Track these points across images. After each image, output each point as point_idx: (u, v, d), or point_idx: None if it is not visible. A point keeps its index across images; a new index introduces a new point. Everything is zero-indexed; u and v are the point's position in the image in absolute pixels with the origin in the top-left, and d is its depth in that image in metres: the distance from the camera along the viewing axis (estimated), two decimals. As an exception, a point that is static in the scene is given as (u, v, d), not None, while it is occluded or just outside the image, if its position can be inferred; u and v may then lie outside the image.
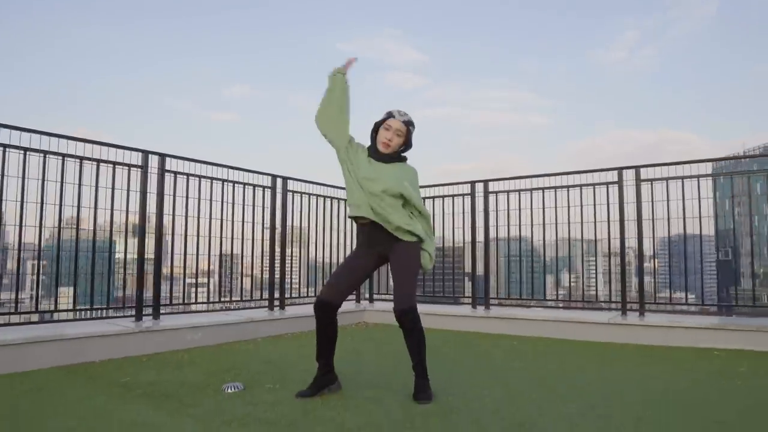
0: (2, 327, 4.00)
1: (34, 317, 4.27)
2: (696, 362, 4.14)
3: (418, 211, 3.17)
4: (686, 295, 5.40)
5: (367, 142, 3.25)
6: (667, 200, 5.32)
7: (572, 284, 6.30)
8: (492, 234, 6.31)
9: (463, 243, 6.59)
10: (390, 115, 3.16)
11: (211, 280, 5.60)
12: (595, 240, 5.82)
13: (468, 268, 6.49)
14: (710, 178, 5.13)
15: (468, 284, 6.55)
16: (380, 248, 3.16)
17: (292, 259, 6.43)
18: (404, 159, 3.26)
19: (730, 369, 3.87)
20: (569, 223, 5.90)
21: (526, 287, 6.27)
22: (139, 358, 4.27)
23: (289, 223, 6.20)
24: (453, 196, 6.56)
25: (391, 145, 3.13)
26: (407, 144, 3.20)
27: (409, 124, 3.16)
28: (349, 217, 3.27)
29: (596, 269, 5.91)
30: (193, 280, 5.49)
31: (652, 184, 5.40)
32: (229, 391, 3.26)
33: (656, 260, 5.53)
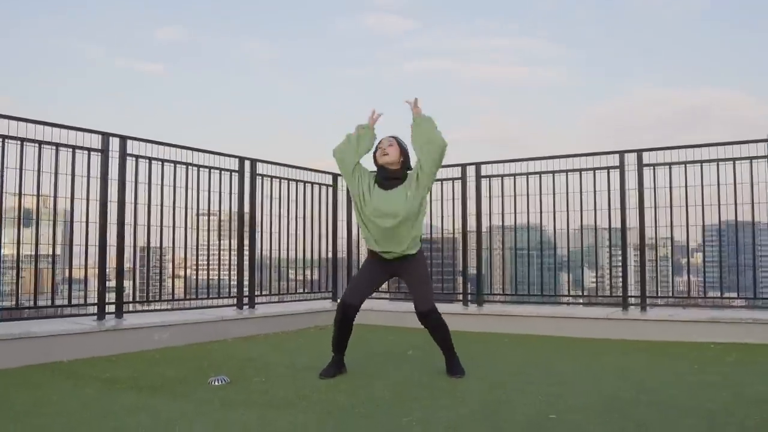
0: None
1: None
2: (688, 354, 5.17)
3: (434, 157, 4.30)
4: (689, 289, 6.46)
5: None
6: (670, 186, 6.34)
7: (575, 277, 7.29)
8: (486, 223, 7.29)
9: (453, 233, 7.54)
10: (379, 141, 4.49)
11: (176, 276, 6.47)
12: (596, 231, 6.82)
13: (459, 262, 7.46)
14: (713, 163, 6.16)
15: (460, 278, 7.51)
16: (392, 269, 4.49)
17: (262, 252, 7.31)
18: (405, 176, 4.43)
19: (718, 360, 4.91)
20: (567, 211, 6.90)
21: (523, 281, 7.25)
22: (107, 357, 5.14)
23: (259, 212, 7.10)
24: (441, 180, 7.49)
25: (390, 153, 4.37)
26: (404, 153, 4.44)
27: (395, 138, 4.46)
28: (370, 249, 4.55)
29: (596, 261, 6.92)
30: (155, 275, 6.35)
31: (654, 169, 6.42)
32: (216, 384, 4.15)
33: (657, 250, 6.55)
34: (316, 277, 8.16)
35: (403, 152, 4.42)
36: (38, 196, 5.30)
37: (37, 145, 5.25)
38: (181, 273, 6.58)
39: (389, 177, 4.36)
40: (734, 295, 6.29)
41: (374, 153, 4.44)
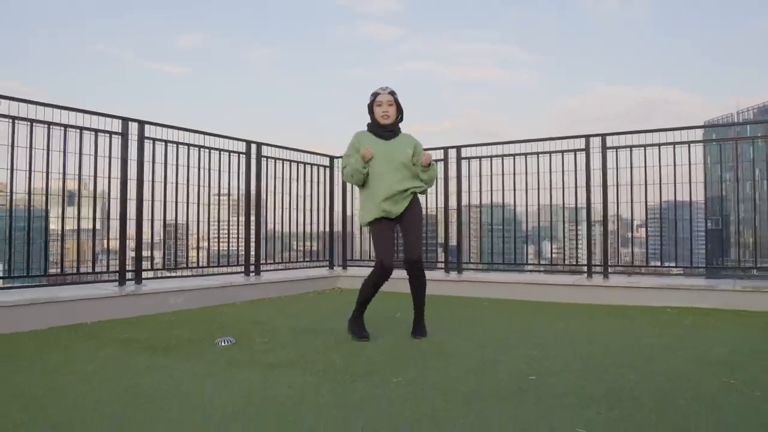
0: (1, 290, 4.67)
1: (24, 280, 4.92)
2: (648, 318, 5.03)
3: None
4: (647, 258, 6.33)
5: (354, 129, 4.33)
6: (631, 167, 6.18)
7: (544, 249, 7.13)
8: (465, 200, 7.12)
9: (436, 209, 7.37)
10: (376, 94, 4.20)
11: (190, 247, 6.28)
12: (563, 206, 6.67)
13: (441, 234, 7.30)
14: (671, 146, 5.99)
15: (440, 250, 7.36)
16: (398, 216, 4.17)
17: (266, 225, 7.12)
18: (400, 130, 4.28)
19: (676, 323, 4.77)
20: (539, 189, 6.73)
21: (500, 252, 7.09)
22: (127, 319, 4.97)
23: (263, 189, 6.89)
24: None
25: (390, 115, 4.17)
26: (400, 109, 4.24)
27: (393, 93, 4.20)
28: (371, 221, 4.21)
29: (563, 234, 6.77)
30: (171, 246, 6.16)
31: (617, 152, 6.24)
32: (223, 344, 3.99)
33: (618, 224, 6.40)
34: (314, 248, 7.98)
35: (399, 108, 4.23)
36: (63, 175, 5.09)
37: (62, 128, 5.05)
38: (195, 244, 6.37)
39: (387, 130, 4.22)
40: (686, 264, 6.16)
41: (372, 106, 4.20)
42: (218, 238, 6.64)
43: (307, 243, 7.84)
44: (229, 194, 6.61)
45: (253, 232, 6.76)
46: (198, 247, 6.34)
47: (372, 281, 4.18)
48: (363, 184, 4.21)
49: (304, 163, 7.61)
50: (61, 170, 5.06)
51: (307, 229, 7.74)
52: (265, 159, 6.95)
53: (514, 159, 6.84)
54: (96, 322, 4.79)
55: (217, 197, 6.52)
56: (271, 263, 7.19)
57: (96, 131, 5.28)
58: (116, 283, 5.42)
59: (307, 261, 7.84)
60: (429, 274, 6.86)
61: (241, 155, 6.68)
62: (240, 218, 6.75)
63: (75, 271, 5.27)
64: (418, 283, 4.27)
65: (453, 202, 7.21)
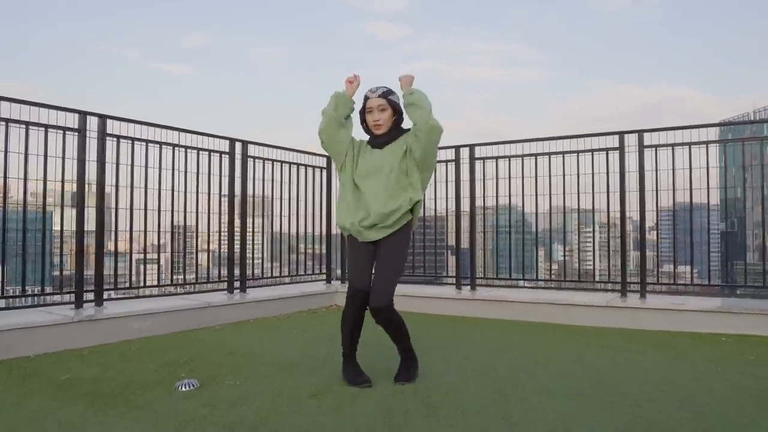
0: None
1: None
2: (703, 350, 4.21)
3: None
4: (692, 276, 5.46)
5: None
6: (673, 168, 5.33)
7: (567, 261, 6.27)
8: (479, 205, 6.30)
9: (446, 215, 6.56)
10: (365, 97, 3.41)
11: (161, 260, 5.51)
12: (593, 212, 5.85)
13: (452, 244, 6.47)
14: (718, 144, 5.16)
15: (451, 261, 6.52)
16: (374, 247, 3.36)
17: (254, 235, 6.35)
18: (402, 132, 3.41)
19: (737, 357, 3.95)
20: (565, 193, 5.90)
21: (517, 264, 6.26)
22: (80, 351, 4.20)
23: (249, 193, 6.12)
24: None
25: (382, 123, 3.36)
26: (397, 112, 3.40)
27: (386, 95, 3.37)
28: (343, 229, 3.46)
29: (593, 245, 5.94)
30: (140, 260, 5.38)
31: (656, 151, 5.41)
32: (183, 389, 3.23)
33: (659, 234, 5.58)
34: (309, 260, 7.17)
35: (396, 111, 3.38)
36: (5, 178, 4.33)
37: (3, 123, 4.29)
38: (170, 258, 5.58)
39: (382, 139, 3.39)
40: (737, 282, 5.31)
41: (363, 113, 3.41)
42: (196, 250, 5.86)
43: (301, 254, 7.04)
44: (209, 200, 5.82)
45: (237, 243, 5.96)
46: (172, 262, 5.54)
47: (345, 314, 3.43)
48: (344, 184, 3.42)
49: (298, 164, 6.81)
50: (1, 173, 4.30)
51: (302, 239, 6.96)
52: (252, 159, 6.17)
53: (536, 159, 6.02)
54: (42, 355, 4.04)
55: (195, 204, 5.74)
56: (258, 278, 6.40)
57: (46, 127, 4.51)
58: (72, 306, 4.64)
59: (300, 275, 7.02)
60: (438, 291, 6.07)
61: (223, 155, 5.89)
62: (223, 227, 5.96)
63: (21, 292, 4.49)
64: (389, 332, 3.42)
65: (465, 208, 6.39)
